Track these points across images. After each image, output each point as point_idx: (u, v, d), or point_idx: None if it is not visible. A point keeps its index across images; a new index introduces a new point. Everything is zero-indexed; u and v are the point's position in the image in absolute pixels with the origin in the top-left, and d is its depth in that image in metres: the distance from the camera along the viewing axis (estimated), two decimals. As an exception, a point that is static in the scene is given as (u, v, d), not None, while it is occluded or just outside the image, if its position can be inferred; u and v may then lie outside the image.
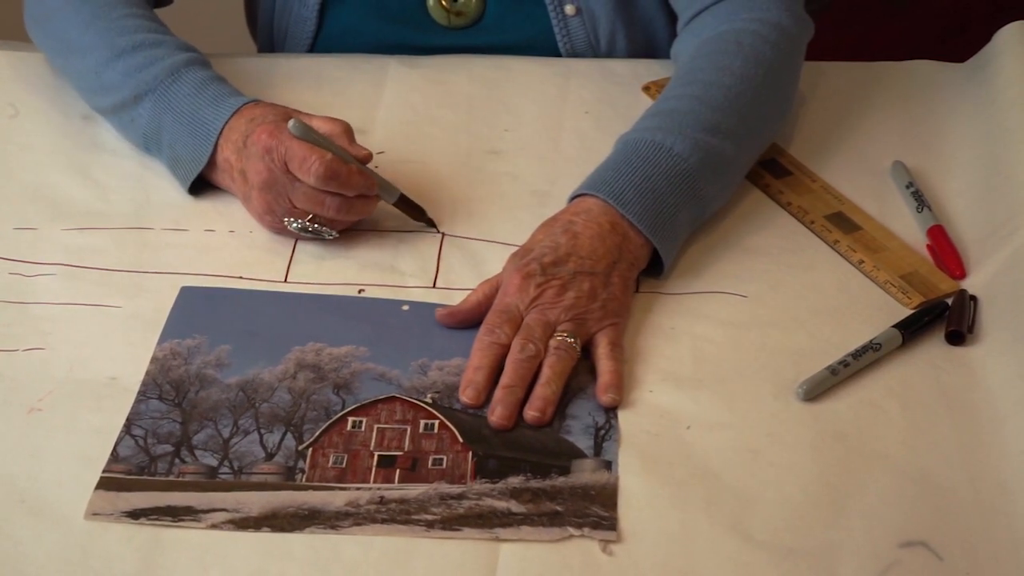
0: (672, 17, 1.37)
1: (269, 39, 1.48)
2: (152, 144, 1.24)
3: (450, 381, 1.05)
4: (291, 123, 1.12)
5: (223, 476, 0.98)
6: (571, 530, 0.94)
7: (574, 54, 1.41)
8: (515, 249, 1.12)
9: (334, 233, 1.16)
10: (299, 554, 0.92)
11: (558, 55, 1.41)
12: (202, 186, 1.22)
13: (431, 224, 1.19)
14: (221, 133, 1.18)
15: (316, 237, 1.17)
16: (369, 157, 1.16)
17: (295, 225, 1.15)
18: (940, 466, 0.98)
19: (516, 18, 1.41)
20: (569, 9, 1.39)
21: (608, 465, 0.99)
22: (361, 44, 1.42)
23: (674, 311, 1.12)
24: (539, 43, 1.41)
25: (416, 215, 1.19)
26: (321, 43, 1.44)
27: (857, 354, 1.05)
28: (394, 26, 1.42)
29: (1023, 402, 1.02)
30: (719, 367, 1.06)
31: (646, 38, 1.42)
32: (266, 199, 1.15)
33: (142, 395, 1.04)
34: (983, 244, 1.17)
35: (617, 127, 1.22)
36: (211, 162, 1.20)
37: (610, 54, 1.42)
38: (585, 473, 0.98)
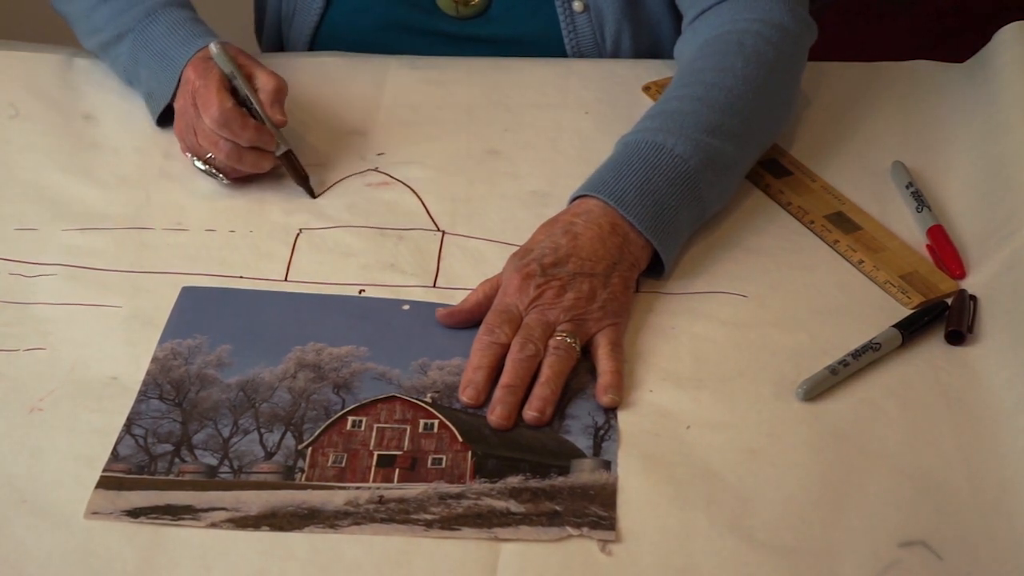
0: (679, 21, 1.37)
1: (276, 17, 1.48)
2: (133, 79, 1.33)
3: (450, 381, 1.05)
4: (211, 45, 1.22)
5: (223, 475, 0.98)
6: (570, 530, 0.94)
7: (579, 52, 1.41)
8: (515, 249, 1.12)
9: (225, 180, 1.23)
10: (300, 553, 0.92)
11: (564, 52, 1.41)
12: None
13: (311, 193, 1.24)
14: (185, 69, 1.26)
15: (211, 177, 1.23)
16: (282, 124, 1.23)
17: (194, 161, 1.23)
18: (940, 466, 0.98)
19: (523, 11, 1.41)
20: (577, 5, 1.39)
21: (607, 465, 0.99)
22: (369, 22, 1.43)
23: (674, 311, 1.12)
24: (545, 39, 1.41)
25: (299, 179, 1.24)
26: (329, 19, 1.44)
27: (857, 354, 1.05)
28: (403, 7, 1.42)
29: (1023, 402, 1.02)
30: (719, 367, 1.06)
31: (652, 40, 1.42)
32: (179, 126, 1.25)
33: (142, 395, 1.04)
34: (983, 244, 1.17)
35: (617, 127, 1.22)
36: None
37: (615, 54, 1.41)
38: (584, 473, 0.98)
